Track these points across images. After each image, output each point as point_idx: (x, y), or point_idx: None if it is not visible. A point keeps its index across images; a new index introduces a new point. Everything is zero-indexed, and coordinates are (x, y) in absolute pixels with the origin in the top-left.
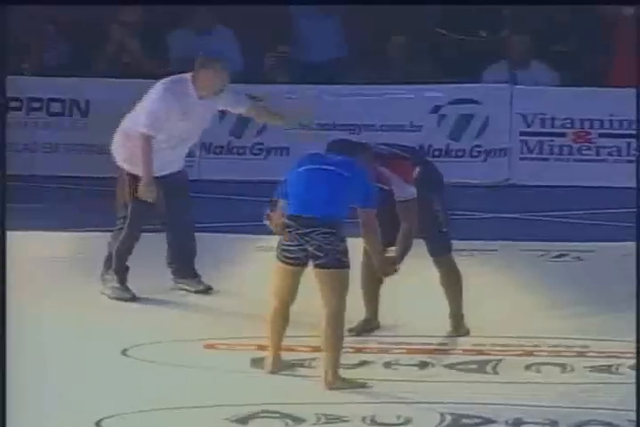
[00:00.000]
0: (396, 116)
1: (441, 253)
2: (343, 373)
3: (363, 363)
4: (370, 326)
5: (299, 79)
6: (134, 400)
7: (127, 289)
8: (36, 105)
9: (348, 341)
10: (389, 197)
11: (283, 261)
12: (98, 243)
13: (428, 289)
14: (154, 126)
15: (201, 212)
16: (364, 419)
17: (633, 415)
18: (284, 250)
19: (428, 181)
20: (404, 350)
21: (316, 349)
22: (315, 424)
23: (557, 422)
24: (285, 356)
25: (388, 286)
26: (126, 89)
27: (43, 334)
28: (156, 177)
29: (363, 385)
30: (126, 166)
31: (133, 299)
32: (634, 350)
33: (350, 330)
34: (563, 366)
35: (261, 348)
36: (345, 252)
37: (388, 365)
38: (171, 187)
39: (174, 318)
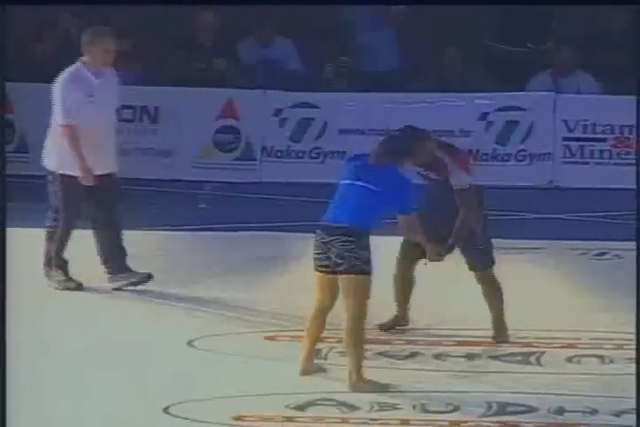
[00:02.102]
0: (447, 122)
1: (479, 269)
2: (394, 363)
3: (413, 355)
4: (399, 323)
5: (357, 88)
6: (199, 389)
7: (72, 279)
8: None
9: (399, 332)
10: (444, 186)
11: (316, 269)
12: (165, 240)
13: (474, 283)
14: (68, 114)
15: (260, 211)
16: (414, 407)
17: None
18: (314, 258)
19: (475, 200)
20: (454, 342)
21: (370, 341)
22: (369, 411)
23: (597, 410)
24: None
25: (437, 280)
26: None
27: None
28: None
29: (386, 387)
30: (59, 169)
31: (80, 287)
32: None
33: (380, 326)
34: (602, 358)
35: (319, 339)
36: (366, 260)
37: (437, 356)
38: (100, 188)
39: (237, 311)
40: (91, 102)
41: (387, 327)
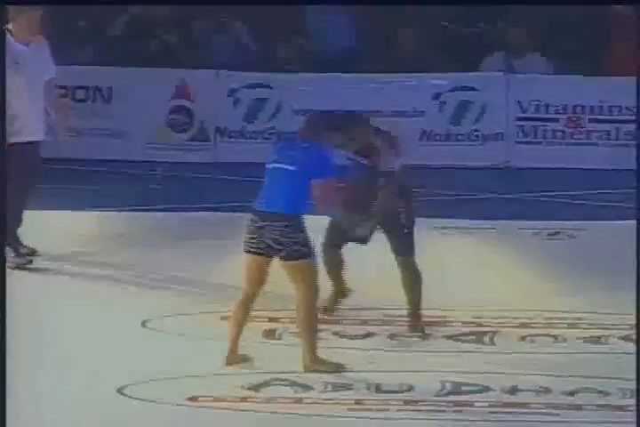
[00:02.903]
0: (401, 102)
1: (404, 254)
2: (349, 343)
3: (368, 334)
4: (339, 297)
5: (311, 68)
6: (153, 370)
7: (23, 256)
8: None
9: (353, 314)
10: (373, 171)
11: (248, 252)
12: (118, 221)
13: (427, 263)
14: None
15: (215, 193)
16: (368, 387)
17: (621, 384)
18: (247, 242)
19: (399, 183)
20: (408, 323)
21: (323, 321)
22: (322, 392)
23: (550, 389)
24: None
25: (390, 260)
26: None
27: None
28: (16, 143)
29: (340, 366)
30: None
31: (29, 263)
32: (622, 323)
33: (325, 310)
34: (555, 338)
35: (272, 320)
36: (304, 242)
37: (392, 336)
38: (20, 155)
39: (191, 291)
40: (17, 70)
41: (331, 309)
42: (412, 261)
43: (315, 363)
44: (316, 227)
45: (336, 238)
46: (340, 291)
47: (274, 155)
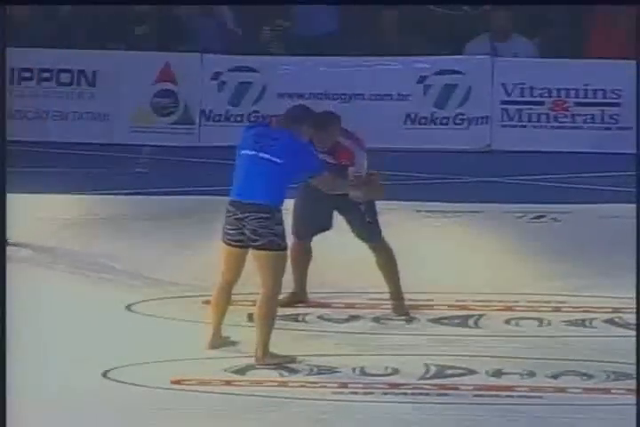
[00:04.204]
0: (385, 85)
1: (370, 240)
2: (332, 326)
3: (353, 318)
4: (297, 298)
5: (296, 51)
6: (139, 353)
7: None
8: (46, 75)
9: (339, 297)
10: (340, 171)
11: (226, 243)
12: (103, 204)
13: (412, 247)
14: None
15: (200, 177)
16: (353, 370)
17: (606, 366)
18: (226, 233)
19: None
20: (391, 306)
21: (309, 304)
22: (307, 375)
23: (535, 372)
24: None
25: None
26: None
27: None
28: None
29: (293, 360)
30: None
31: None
32: (606, 306)
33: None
34: (540, 321)
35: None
36: (281, 235)
37: (377, 319)
38: None
39: (175, 275)
40: None
41: (284, 304)
42: (380, 246)
43: (266, 356)
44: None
45: (303, 230)
46: (300, 290)
47: (249, 141)
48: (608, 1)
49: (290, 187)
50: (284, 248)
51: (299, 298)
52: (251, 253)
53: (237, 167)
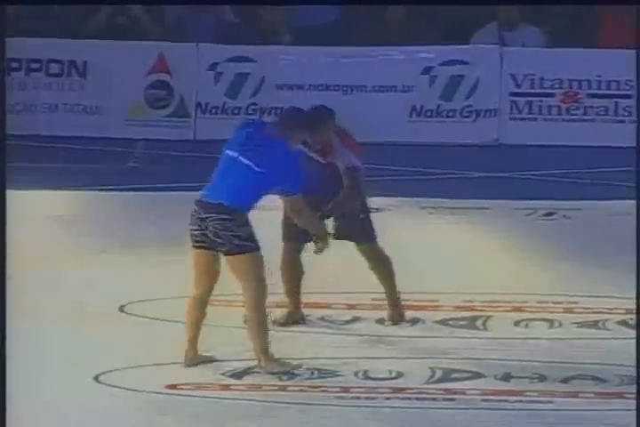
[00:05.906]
0: (389, 76)
1: (362, 240)
2: (336, 328)
3: (356, 319)
4: (294, 318)
5: (296, 41)
6: (132, 355)
7: None
8: (36, 66)
9: (341, 297)
10: (332, 170)
11: (193, 246)
12: (95, 201)
13: (416, 245)
14: None
15: (195, 171)
16: (356, 373)
17: (619, 370)
18: (191, 234)
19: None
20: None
21: (306, 305)
22: (308, 379)
23: (545, 376)
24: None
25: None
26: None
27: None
28: None
29: (298, 367)
30: None
31: None
32: (620, 307)
33: (274, 322)
34: (551, 322)
35: None
36: (247, 236)
37: (380, 321)
38: None
39: (170, 275)
40: None
41: (282, 323)
42: (372, 249)
43: (270, 363)
44: (264, 221)
45: (295, 238)
46: (294, 309)
47: (237, 141)
48: (608, 1)
49: (263, 194)
50: (255, 249)
51: (294, 318)
52: (224, 261)
53: (217, 167)
